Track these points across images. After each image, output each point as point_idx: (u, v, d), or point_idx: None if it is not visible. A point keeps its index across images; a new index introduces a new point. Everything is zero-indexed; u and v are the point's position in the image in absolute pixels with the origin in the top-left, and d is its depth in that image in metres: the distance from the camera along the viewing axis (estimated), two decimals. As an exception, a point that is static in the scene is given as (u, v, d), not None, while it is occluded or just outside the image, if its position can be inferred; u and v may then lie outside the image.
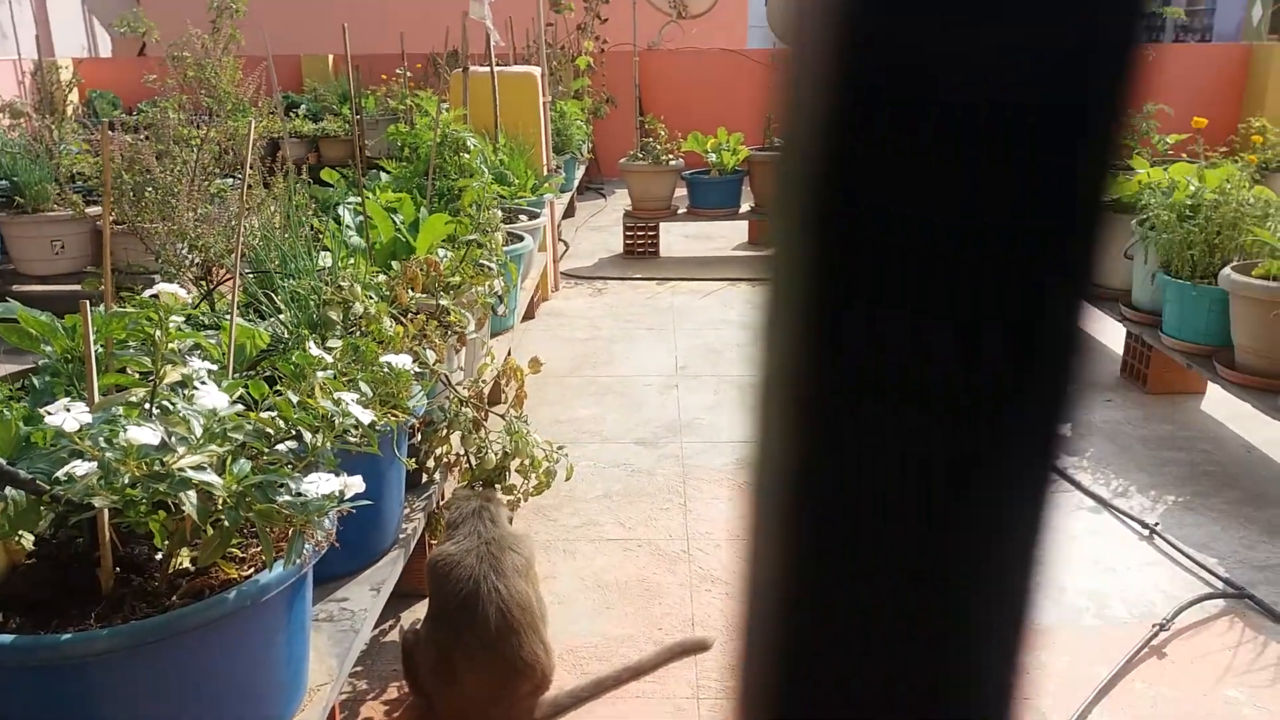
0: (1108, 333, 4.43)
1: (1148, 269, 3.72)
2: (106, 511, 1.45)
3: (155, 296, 1.66)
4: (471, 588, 1.90)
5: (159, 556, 1.54)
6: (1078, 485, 2.97)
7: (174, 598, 1.46)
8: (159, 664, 1.38)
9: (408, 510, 2.28)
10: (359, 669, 2.15)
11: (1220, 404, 3.53)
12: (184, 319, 1.70)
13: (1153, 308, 3.75)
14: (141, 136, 3.09)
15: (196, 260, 2.74)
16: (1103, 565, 2.53)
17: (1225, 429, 3.41)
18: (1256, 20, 13.90)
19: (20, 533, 1.48)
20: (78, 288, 4.82)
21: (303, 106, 9.37)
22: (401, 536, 2.18)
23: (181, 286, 2.73)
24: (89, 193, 4.80)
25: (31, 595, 1.46)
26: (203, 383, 1.49)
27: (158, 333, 1.50)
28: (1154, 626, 2.20)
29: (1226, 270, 3.18)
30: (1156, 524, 2.68)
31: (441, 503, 2.45)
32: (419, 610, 2.28)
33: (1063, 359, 0.25)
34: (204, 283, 2.84)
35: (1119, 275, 4.09)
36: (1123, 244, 3.99)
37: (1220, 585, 2.40)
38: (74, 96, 7.50)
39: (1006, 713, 0.29)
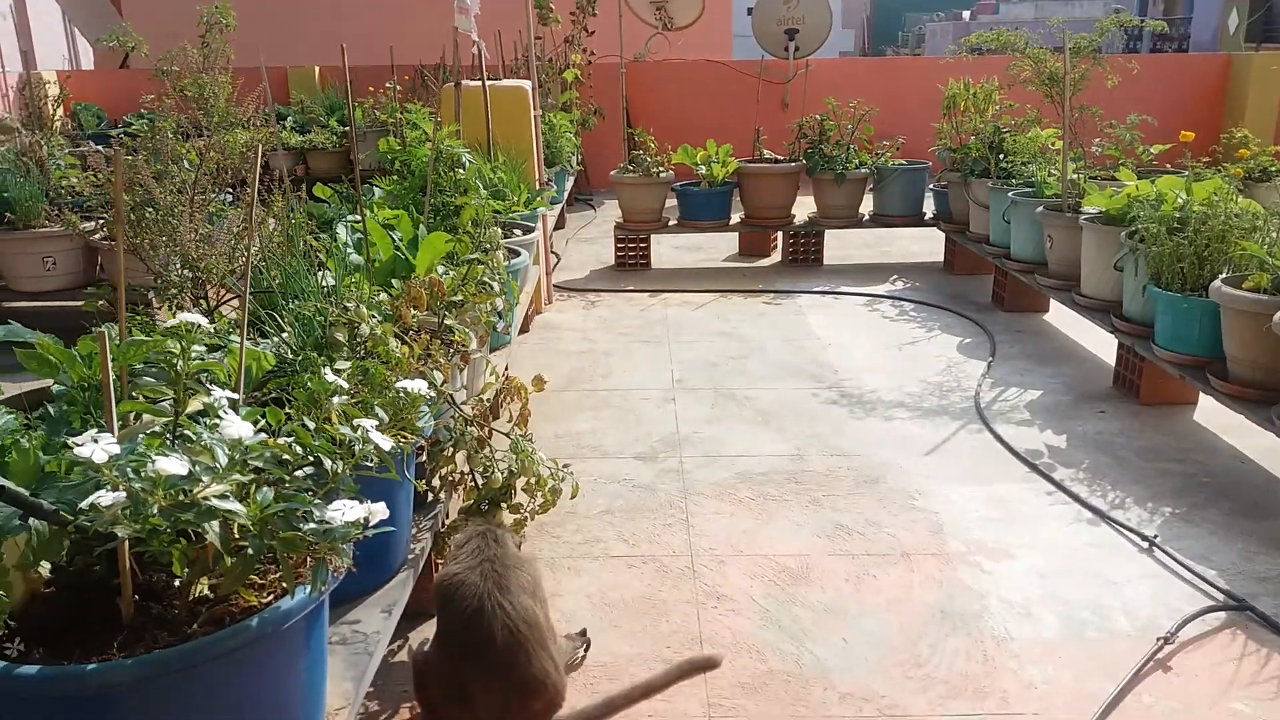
0: (1099, 344, 4.47)
1: (1138, 281, 3.75)
2: (127, 541, 1.45)
3: (189, 325, 1.64)
4: (476, 605, 1.90)
5: (177, 584, 1.54)
6: (1075, 497, 3.00)
7: (195, 625, 1.46)
8: (183, 692, 1.38)
9: (415, 530, 2.28)
10: (370, 689, 2.15)
11: (1213, 414, 3.57)
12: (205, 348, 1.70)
13: (1144, 319, 3.79)
14: (139, 156, 3.08)
15: (197, 279, 2.74)
16: (1103, 578, 2.55)
17: (1219, 440, 3.45)
18: (1233, 29, 14.10)
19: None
20: (70, 304, 4.80)
21: (289, 118, 9.36)
22: (410, 556, 2.19)
23: (180, 306, 2.72)
24: (79, 208, 4.78)
25: (52, 624, 1.45)
26: (225, 411, 1.49)
27: (180, 363, 1.50)
28: (1158, 640, 2.23)
29: (1217, 283, 3.22)
30: (1156, 536, 2.71)
31: (448, 522, 2.45)
32: (427, 629, 2.28)
33: None
34: (203, 301, 2.83)
35: (1110, 287, 4.14)
36: (1113, 255, 4.03)
37: (1221, 598, 2.42)
38: (60, 111, 7.47)
39: None
